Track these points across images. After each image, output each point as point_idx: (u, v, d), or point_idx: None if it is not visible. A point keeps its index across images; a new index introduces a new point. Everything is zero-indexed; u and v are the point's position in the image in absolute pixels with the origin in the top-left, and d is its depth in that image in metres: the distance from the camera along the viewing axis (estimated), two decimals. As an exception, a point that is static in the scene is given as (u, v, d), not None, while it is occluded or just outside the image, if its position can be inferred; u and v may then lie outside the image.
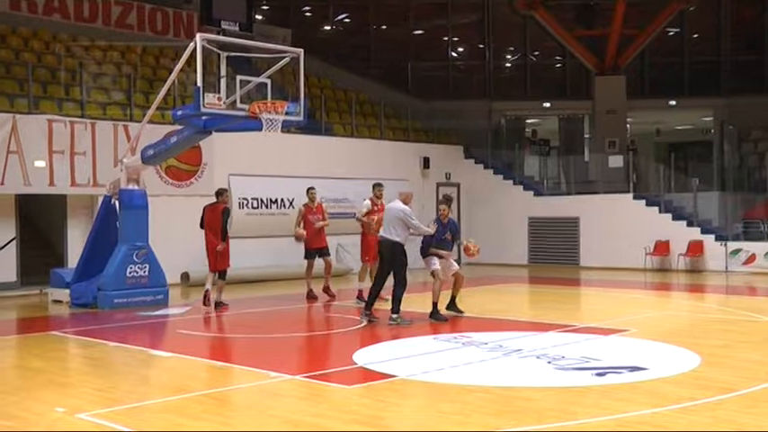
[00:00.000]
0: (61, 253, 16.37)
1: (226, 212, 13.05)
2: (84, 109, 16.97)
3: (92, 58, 19.42)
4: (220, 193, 13.23)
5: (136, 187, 13.69)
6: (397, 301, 10.83)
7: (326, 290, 14.16)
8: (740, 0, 27.51)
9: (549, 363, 8.14)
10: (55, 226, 16.70)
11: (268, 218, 18.82)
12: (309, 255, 14.18)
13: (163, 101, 14.56)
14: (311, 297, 14.04)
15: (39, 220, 17.25)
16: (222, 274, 13.11)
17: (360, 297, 13.09)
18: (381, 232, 11.16)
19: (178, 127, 13.61)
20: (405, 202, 11.12)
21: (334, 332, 11.05)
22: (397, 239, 10.82)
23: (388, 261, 10.92)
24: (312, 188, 14.32)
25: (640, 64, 27.73)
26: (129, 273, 13.29)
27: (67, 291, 13.75)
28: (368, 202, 13.27)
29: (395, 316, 10.78)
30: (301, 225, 13.99)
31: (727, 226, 20.44)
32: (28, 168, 15.16)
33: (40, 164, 15.35)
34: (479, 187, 23.69)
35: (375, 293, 11.16)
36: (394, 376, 7.66)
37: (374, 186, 13.50)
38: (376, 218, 12.83)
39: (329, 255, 14.37)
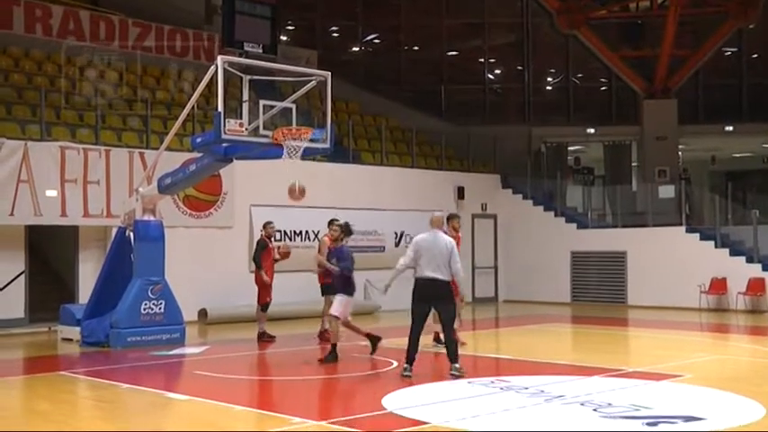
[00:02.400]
0: (72, 288, 16.53)
1: (258, 244, 14.40)
2: (99, 136, 17.24)
3: (107, 81, 19.76)
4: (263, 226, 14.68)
5: (152, 218, 13.83)
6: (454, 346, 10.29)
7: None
8: (803, 17, 27.37)
9: (595, 410, 8.03)
10: (66, 259, 16.90)
11: (292, 251, 18.87)
12: (329, 291, 13.55)
13: (181, 127, 14.79)
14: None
15: (49, 252, 17.47)
16: (263, 307, 14.34)
17: (437, 339, 12.46)
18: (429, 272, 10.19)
19: (197, 154, 13.77)
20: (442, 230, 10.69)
21: (362, 374, 11.00)
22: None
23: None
24: (336, 220, 13.96)
25: (694, 86, 27.61)
26: (144, 309, 13.38)
27: (78, 328, 13.85)
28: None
29: (457, 365, 10.14)
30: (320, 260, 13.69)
31: (791, 262, 20.14)
32: (39, 198, 15.40)
33: (52, 193, 15.58)
34: (518, 219, 23.61)
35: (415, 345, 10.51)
36: (426, 423, 7.60)
37: (451, 217, 13.14)
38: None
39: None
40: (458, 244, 12.07)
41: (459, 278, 10.32)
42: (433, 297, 10.18)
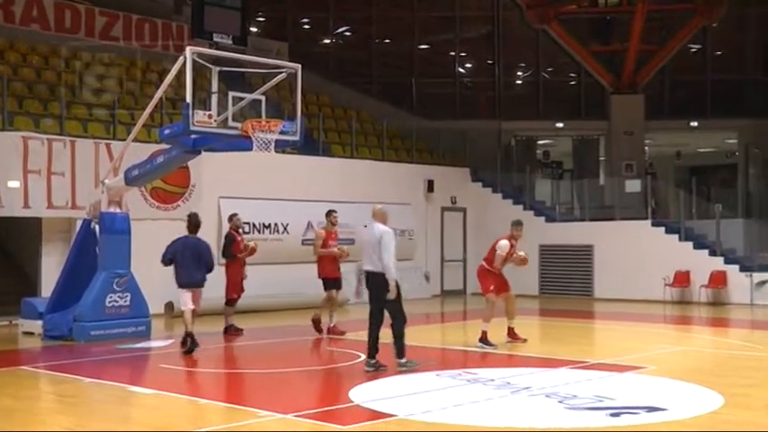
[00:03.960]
0: (34, 281, 16.29)
1: (227, 238, 14.39)
2: (64, 126, 17.02)
3: (72, 71, 19.52)
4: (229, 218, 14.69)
5: (118, 210, 13.71)
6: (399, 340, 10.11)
7: (318, 323, 13.67)
8: (766, 16, 27.66)
9: (560, 402, 8.09)
10: (28, 251, 16.67)
11: (260, 244, 18.79)
12: (329, 285, 13.51)
13: (149, 118, 14.63)
14: (333, 331, 13.57)
15: (10, 244, 17.25)
16: (230, 303, 14.21)
17: (483, 340, 12.24)
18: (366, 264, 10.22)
19: (165, 146, 13.65)
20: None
21: (330, 367, 11.00)
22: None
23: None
24: (334, 211, 13.91)
25: (660, 83, 27.87)
26: (109, 302, 13.24)
27: (40, 322, 13.62)
28: (505, 242, 12.51)
29: (403, 361, 10.08)
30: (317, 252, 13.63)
31: (753, 256, 20.40)
32: (0, 189, 15.15)
33: (14, 184, 15.34)
34: (487, 212, 23.68)
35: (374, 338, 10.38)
36: (393, 415, 7.61)
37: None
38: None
39: (341, 288, 13.91)
40: (509, 254, 12.26)
41: (389, 274, 9.79)
42: (372, 289, 10.08)
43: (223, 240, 14.73)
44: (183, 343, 11.82)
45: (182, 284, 12.01)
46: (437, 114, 26.44)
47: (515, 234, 12.63)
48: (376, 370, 9.93)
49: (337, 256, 13.61)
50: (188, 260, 12.02)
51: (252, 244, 14.40)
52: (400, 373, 9.83)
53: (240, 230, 14.80)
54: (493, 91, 28.31)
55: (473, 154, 24.75)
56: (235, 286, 14.18)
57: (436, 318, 18.91)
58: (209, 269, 12.23)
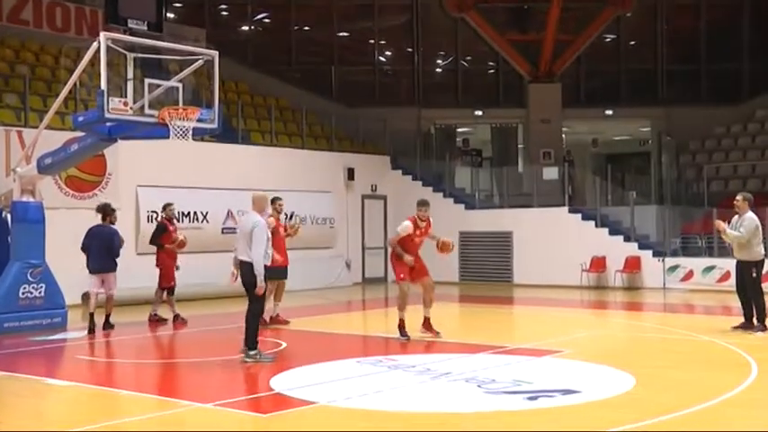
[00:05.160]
0: (-56, 272, 15.77)
1: (158, 227, 14.50)
2: (-28, 113, 16.52)
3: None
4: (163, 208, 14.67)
5: (31, 199, 13.38)
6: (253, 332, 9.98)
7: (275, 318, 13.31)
8: (677, 7, 28.53)
9: (479, 386, 8.26)
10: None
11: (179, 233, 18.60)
12: (278, 274, 12.69)
13: (63, 105, 14.29)
14: (277, 320, 13.29)
15: None
16: (168, 291, 14.22)
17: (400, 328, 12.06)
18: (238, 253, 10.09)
19: (80, 134, 13.34)
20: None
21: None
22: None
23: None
24: (279, 198, 13.32)
25: (576, 71, 28.46)
26: (23, 293, 12.95)
27: (-51, 314, 13.23)
28: (407, 223, 12.13)
29: (253, 352, 9.90)
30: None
31: (665, 241, 21.09)
32: None
33: None
34: (407, 200, 23.57)
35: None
36: (314, 402, 7.66)
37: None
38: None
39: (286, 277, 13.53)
40: (417, 236, 12.12)
41: (256, 268, 9.68)
42: (243, 279, 9.97)
43: (154, 229, 14.51)
44: (90, 330, 12.70)
45: (90, 270, 13.12)
46: (357, 102, 26.50)
47: (420, 215, 12.17)
48: (257, 362, 9.83)
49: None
50: (96, 248, 13.10)
51: (182, 237, 14.20)
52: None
53: (174, 221, 14.62)
54: (412, 79, 28.48)
55: (393, 142, 24.88)
56: (167, 275, 14.07)
57: (357, 305, 19.01)
58: (115, 256, 13.22)
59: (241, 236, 10.01)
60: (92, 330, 12.72)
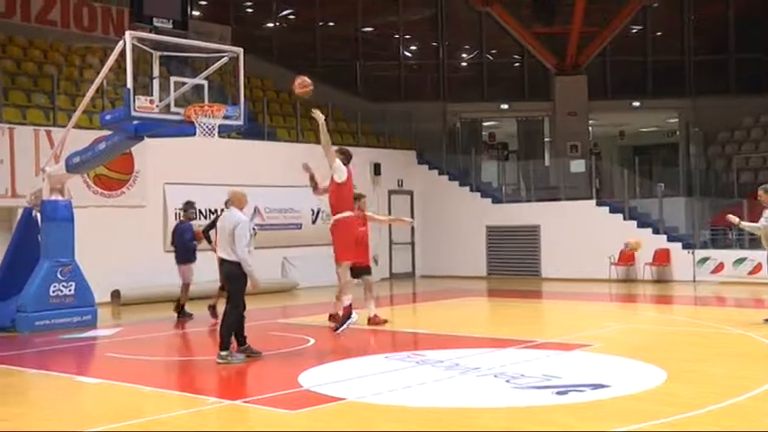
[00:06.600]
0: (-25, 271, 15.92)
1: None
2: (1, 113, 16.63)
3: (9, 56, 19.07)
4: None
5: (60, 198, 13.46)
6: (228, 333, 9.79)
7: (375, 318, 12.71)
8: (703, -4, 28.20)
9: (508, 381, 8.19)
10: (-32, 241, 16.30)
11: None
12: (356, 273, 12.19)
13: (90, 104, 14.37)
14: (374, 321, 12.62)
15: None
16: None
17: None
18: (219, 251, 10.00)
19: (107, 132, 13.41)
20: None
21: (279, 352, 10.96)
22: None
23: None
24: (362, 195, 12.94)
25: (602, 63, 28.20)
26: (53, 292, 13.03)
27: (-20, 313, 13.35)
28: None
29: (224, 353, 9.68)
30: None
31: (695, 233, 20.85)
32: (-61, 179, 14.81)
33: (-47, 173, 15.00)
34: (434, 195, 23.81)
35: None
36: (343, 399, 7.63)
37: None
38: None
39: (371, 274, 13.05)
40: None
41: (245, 266, 9.56)
42: (222, 278, 9.92)
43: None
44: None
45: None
46: (382, 97, 26.45)
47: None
48: (245, 359, 9.77)
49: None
50: (176, 242, 14.33)
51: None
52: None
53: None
54: (437, 73, 28.36)
55: (419, 136, 24.83)
56: None
57: (385, 301, 18.97)
58: (187, 249, 14.11)
59: (222, 234, 9.85)
60: (186, 316, 14.03)
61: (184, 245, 14.13)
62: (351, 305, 10.61)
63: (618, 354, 9.76)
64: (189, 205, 14.55)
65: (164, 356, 11.22)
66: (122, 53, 11.47)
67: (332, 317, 12.61)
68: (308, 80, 10.82)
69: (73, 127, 13.68)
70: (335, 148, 11.27)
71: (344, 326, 10.25)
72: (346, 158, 11.20)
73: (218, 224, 10.19)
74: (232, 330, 9.80)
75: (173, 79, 11.80)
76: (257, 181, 19.03)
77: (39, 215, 13.45)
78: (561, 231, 21.78)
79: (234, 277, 9.74)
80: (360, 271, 12.32)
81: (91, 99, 13.22)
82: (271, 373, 9.54)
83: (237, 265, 9.64)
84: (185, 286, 14.16)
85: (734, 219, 12.18)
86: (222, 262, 9.91)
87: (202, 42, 14.07)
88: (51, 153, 14.32)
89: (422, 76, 29.15)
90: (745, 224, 12.02)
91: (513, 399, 7.57)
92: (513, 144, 29.44)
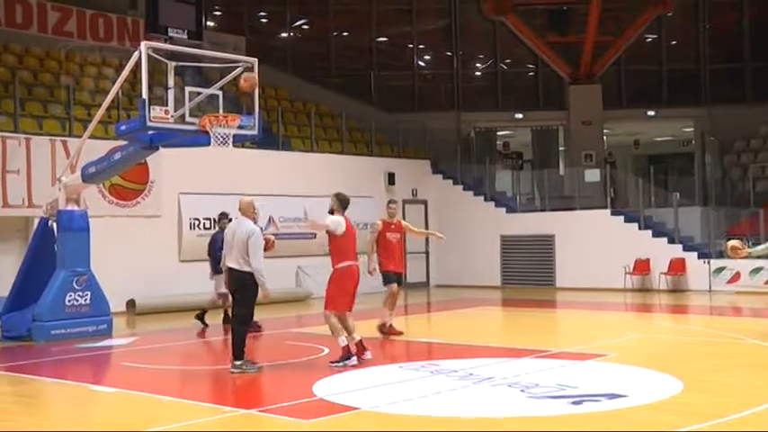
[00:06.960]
0: (-9, 281, 16.03)
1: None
2: (18, 123, 16.76)
3: (26, 67, 19.22)
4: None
5: (76, 208, 13.54)
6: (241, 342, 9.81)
7: (384, 327, 12.55)
8: (719, 5, 28.08)
9: (522, 391, 8.17)
10: (-16, 251, 16.41)
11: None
12: (389, 279, 12.44)
13: (106, 114, 14.46)
14: (391, 331, 12.51)
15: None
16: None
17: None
18: (229, 261, 9.90)
19: (122, 142, 13.48)
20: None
21: (293, 362, 10.97)
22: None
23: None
24: (394, 201, 13.26)
25: (617, 72, 28.14)
26: (69, 301, 13.10)
27: (-3, 322, 13.41)
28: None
29: (239, 363, 9.73)
30: (374, 247, 12.45)
31: (711, 243, 20.72)
32: (-45, 188, 14.90)
33: (-30, 184, 15.10)
34: (448, 204, 23.79)
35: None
36: (357, 408, 7.63)
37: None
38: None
39: (402, 284, 12.93)
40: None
41: (257, 276, 9.63)
42: (232, 288, 9.93)
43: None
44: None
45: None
46: (396, 107, 26.48)
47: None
48: (260, 369, 9.79)
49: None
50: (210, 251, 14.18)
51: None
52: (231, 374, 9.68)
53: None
54: (451, 83, 28.37)
55: (433, 146, 24.84)
56: None
57: (399, 310, 18.93)
58: (215, 260, 13.44)
59: (234, 243, 9.78)
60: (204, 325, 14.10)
61: (214, 255, 13.86)
62: (348, 345, 10.06)
63: (633, 363, 9.71)
64: (223, 216, 14.45)
65: (179, 366, 11.25)
66: (138, 63, 11.53)
67: (381, 327, 12.48)
68: (251, 75, 11.50)
69: (89, 137, 13.78)
70: (333, 192, 10.99)
71: (341, 364, 10.10)
72: (342, 205, 10.68)
73: (227, 234, 10.11)
74: (244, 339, 9.81)
75: (187, 89, 11.87)
76: (271, 190, 19.09)
77: (55, 225, 13.51)
78: (576, 241, 21.71)
79: (245, 287, 9.76)
80: (392, 277, 12.40)
81: (106, 109, 13.29)
82: (285, 383, 9.54)
83: (249, 274, 9.66)
84: (219, 296, 13.79)
85: (741, 252, 11.96)
86: (230, 271, 9.86)
87: (217, 52, 14.12)
88: (67, 163, 14.41)
89: (436, 86, 29.18)
90: (756, 249, 11.86)
91: (527, 408, 7.54)
92: (527, 153, 29.39)
